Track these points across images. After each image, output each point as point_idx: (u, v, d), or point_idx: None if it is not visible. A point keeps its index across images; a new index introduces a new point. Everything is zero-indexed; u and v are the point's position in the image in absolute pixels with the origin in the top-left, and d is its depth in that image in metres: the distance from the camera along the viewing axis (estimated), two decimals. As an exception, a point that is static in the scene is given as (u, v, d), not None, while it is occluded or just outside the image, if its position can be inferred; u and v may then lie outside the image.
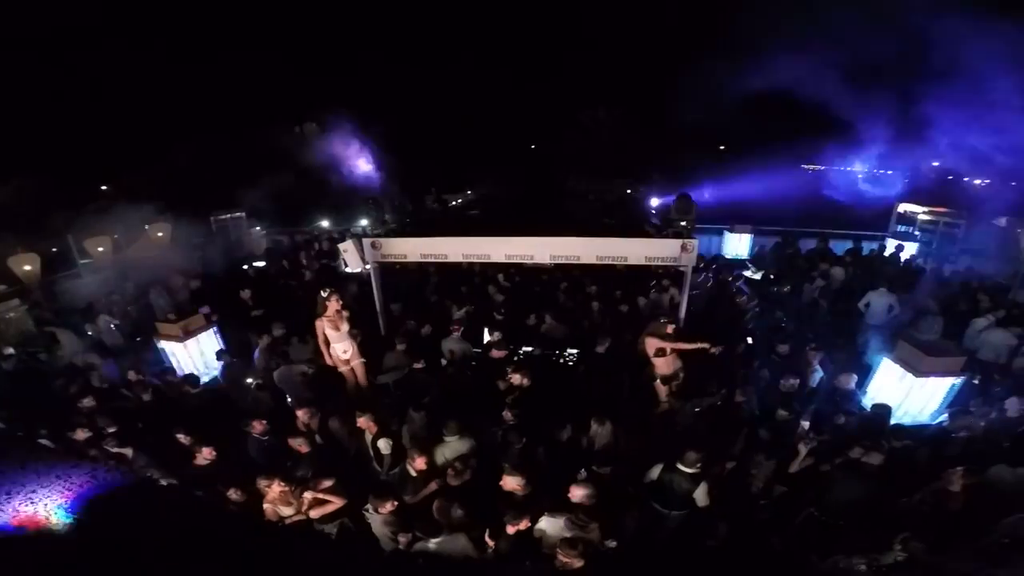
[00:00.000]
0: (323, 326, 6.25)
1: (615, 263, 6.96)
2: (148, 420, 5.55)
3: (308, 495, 4.20)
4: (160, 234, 13.03)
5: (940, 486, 4.19)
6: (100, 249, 11.61)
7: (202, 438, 4.69)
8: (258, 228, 15.02)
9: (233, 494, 4.18)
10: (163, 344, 7.25)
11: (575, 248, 6.81)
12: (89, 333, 8.11)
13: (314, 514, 4.19)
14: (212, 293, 9.49)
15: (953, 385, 5.84)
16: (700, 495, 4.22)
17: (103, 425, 5.01)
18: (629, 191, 11.17)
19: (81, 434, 4.88)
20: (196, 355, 7.27)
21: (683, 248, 6.69)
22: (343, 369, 6.51)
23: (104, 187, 26.11)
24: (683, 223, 7.08)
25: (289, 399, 6.27)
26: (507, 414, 4.89)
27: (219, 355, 6.91)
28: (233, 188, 16.34)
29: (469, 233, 7.27)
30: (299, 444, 4.78)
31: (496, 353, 6.41)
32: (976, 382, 6.23)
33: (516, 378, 5.55)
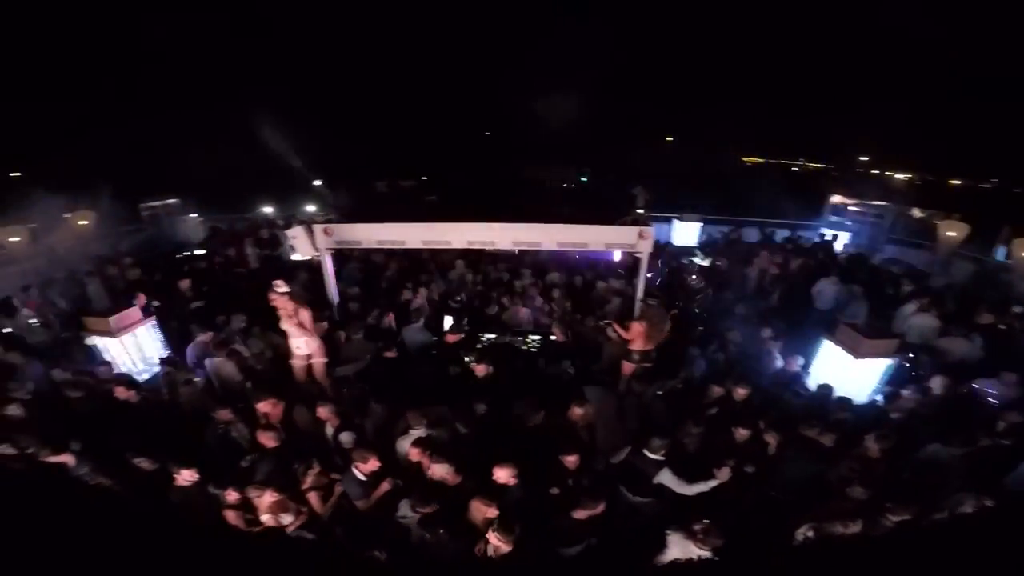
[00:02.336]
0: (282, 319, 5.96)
1: (576, 249, 7.00)
2: (85, 423, 5.07)
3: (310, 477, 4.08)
4: (83, 223, 11.99)
5: (861, 452, 4.52)
6: (15, 239, 10.58)
7: (175, 459, 4.10)
8: (194, 215, 14.09)
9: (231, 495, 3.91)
10: (93, 340, 6.65)
11: (537, 234, 6.77)
12: (8, 330, 7.35)
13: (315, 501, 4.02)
14: (148, 284, 8.84)
15: (888, 366, 6.26)
16: (668, 479, 4.22)
17: (25, 444, 4.48)
18: (584, 179, 11.25)
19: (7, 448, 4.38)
20: (133, 351, 6.73)
21: (640, 235, 6.80)
22: (298, 365, 6.21)
23: (16, 174, 23.90)
24: (639, 211, 7.16)
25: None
26: (479, 407, 4.82)
27: (163, 363, 6.40)
28: (166, 173, 15.27)
29: (428, 219, 7.07)
30: (268, 438, 4.47)
31: (450, 338, 6.32)
32: (907, 364, 6.75)
33: (480, 369, 5.50)
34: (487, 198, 8.46)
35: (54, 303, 8.21)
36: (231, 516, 3.88)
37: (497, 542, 3.10)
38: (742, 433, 4.66)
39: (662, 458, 4.24)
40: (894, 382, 6.18)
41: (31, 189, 12.72)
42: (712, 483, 4.15)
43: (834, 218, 14.37)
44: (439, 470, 3.88)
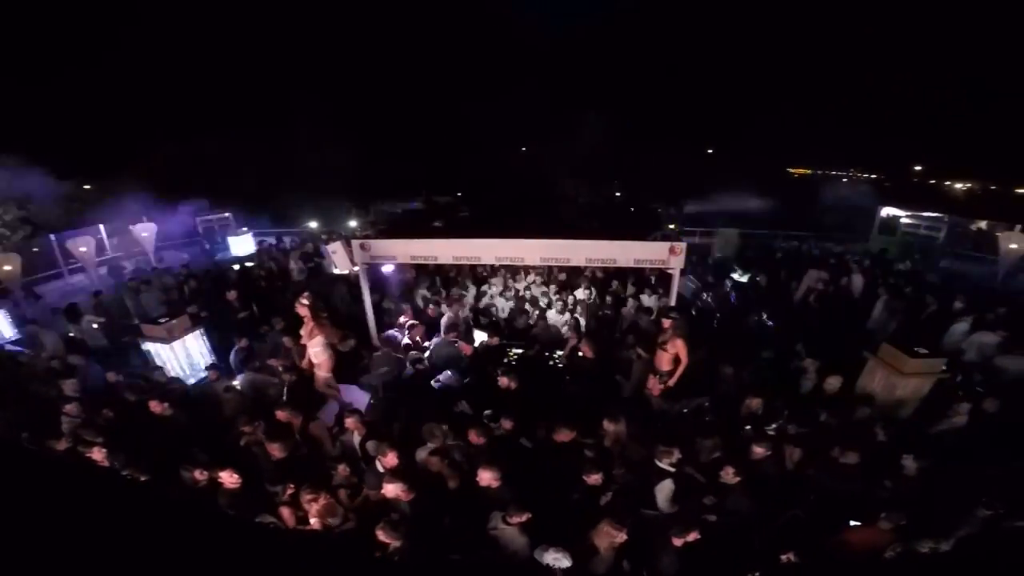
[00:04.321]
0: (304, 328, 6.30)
1: (604, 265, 6.98)
2: (134, 423, 5.45)
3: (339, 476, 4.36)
4: (145, 235, 12.86)
5: (897, 470, 4.42)
6: (83, 249, 11.44)
7: (217, 463, 4.33)
8: (244, 229, 14.88)
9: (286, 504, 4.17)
10: (148, 346, 7.13)
11: (565, 250, 6.82)
12: (72, 334, 7.96)
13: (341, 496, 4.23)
14: (199, 294, 9.38)
15: (936, 384, 5.95)
16: (662, 494, 4.20)
17: (89, 437, 4.84)
18: (618, 193, 11.21)
19: (63, 443, 4.77)
20: (182, 357, 7.17)
21: (671, 251, 6.72)
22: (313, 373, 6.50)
23: (87, 187, 25.70)
24: (671, 225, 7.11)
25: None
26: (506, 423, 4.89)
27: (209, 369, 6.75)
28: (219, 189, 16.20)
29: (459, 234, 7.24)
30: (274, 449, 4.63)
31: (465, 348, 6.43)
32: (957, 381, 6.39)
33: (504, 382, 5.58)
34: (518, 214, 8.56)
35: (114, 310, 8.81)
36: (286, 512, 4.14)
37: (385, 538, 3.32)
38: (759, 451, 4.52)
39: (670, 469, 4.21)
40: (941, 401, 5.88)
41: (100, 201, 13.78)
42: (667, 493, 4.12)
43: (884, 232, 13.76)
44: (390, 489, 3.90)
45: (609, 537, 3.44)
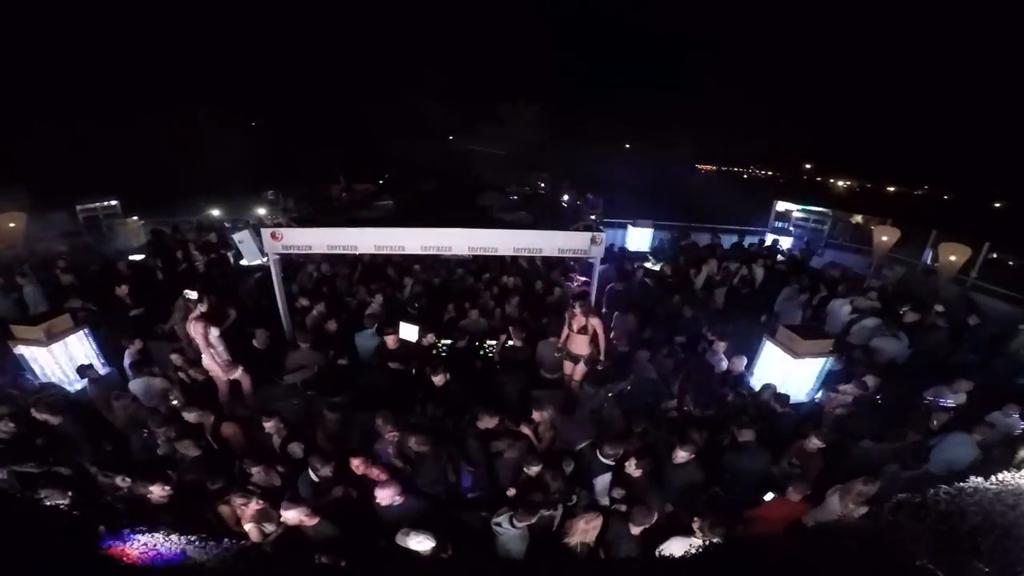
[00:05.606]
0: (201, 328, 5.62)
1: (531, 255, 7.04)
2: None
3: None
4: (12, 225, 11.22)
5: (800, 446, 4.79)
6: (-69, 241, 9.81)
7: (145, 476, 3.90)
8: (135, 218, 13.41)
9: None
10: (21, 349, 6.23)
11: (492, 240, 6.79)
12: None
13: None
14: (81, 291, 8.35)
15: (824, 364, 6.58)
16: (600, 485, 4.30)
17: None
18: (543, 184, 11.33)
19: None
20: (63, 361, 6.34)
21: (592, 241, 6.93)
22: (223, 377, 5.96)
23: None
24: (592, 217, 7.32)
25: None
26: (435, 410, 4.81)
27: (81, 371, 6.04)
28: (105, 174, 14.46)
29: (382, 223, 6.98)
30: (186, 447, 4.35)
31: (390, 341, 6.26)
32: (841, 363, 7.11)
33: (438, 379, 5.41)
34: (444, 203, 8.41)
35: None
36: (226, 511, 3.91)
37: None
38: (682, 455, 4.48)
39: (612, 463, 4.32)
40: (833, 381, 6.51)
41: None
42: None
43: (779, 223, 15.01)
44: (291, 516, 3.62)
45: (593, 529, 3.55)
